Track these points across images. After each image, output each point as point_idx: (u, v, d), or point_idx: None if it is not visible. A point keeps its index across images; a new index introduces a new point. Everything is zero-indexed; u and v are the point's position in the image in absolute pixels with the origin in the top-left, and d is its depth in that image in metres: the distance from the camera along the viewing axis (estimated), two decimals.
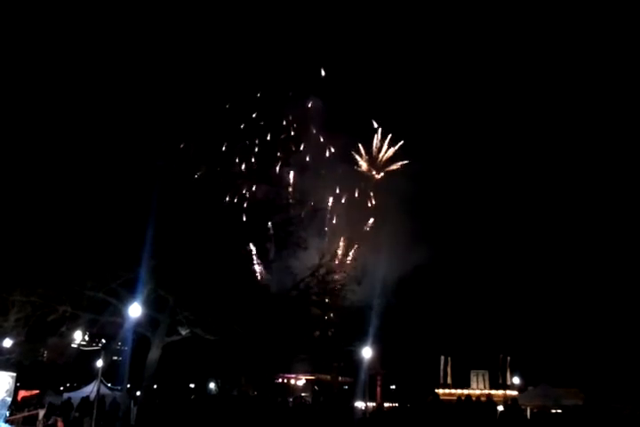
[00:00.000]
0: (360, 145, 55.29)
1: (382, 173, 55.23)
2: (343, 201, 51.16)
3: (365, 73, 50.16)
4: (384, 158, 55.30)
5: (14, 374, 19.27)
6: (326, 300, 43.06)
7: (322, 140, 52.05)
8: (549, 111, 51.46)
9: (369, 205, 52.37)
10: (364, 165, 55.20)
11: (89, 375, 36.40)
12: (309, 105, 50.88)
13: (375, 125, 55.61)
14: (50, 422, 20.69)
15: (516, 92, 51.99)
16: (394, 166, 55.35)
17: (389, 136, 55.76)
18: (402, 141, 55.43)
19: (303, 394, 41.09)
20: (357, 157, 54.94)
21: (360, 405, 30.44)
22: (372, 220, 51.07)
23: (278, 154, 49.45)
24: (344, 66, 50.21)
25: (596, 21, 47.45)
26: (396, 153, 55.15)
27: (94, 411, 19.52)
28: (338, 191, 51.18)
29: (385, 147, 55.32)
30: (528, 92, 52.27)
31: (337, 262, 43.95)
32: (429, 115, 50.88)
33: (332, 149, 51.85)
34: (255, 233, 30.10)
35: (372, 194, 53.33)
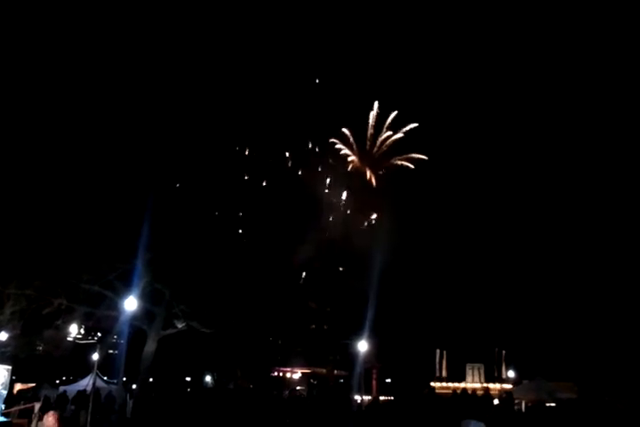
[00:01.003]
0: (348, 133, 49.97)
1: (381, 171, 51.45)
2: (344, 197, 49.42)
3: (364, 74, 48.69)
4: (383, 147, 51.09)
5: (10, 368, 19.22)
6: (322, 293, 43.19)
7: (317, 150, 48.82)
8: (548, 110, 51.06)
9: (367, 200, 50.53)
10: (354, 159, 51.02)
11: (85, 369, 36.42)
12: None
13: (375, 107, 50.44)
14: (54, 418, 20.58)
15: (513, 94, 50.76)
16: (400, 162, 50.66)
17: (389, 119, 50.66)
18: (415, 124, 48.43)
19: (298, 387, 41.24)
20: (348, 151, 50.75)
21: (356, 398, 30.52)
22: (369, 214, 49.93)
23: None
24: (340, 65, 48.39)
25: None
26: (396, 144, 50.65)
27: (90, 404, 19.48)
28: (335, 187, 49.79)
29: (383, 136, 51.00)
30: (526, 94, 51.28)
31: (333, 255, 44.00)
32: (424, 113, 49.62)
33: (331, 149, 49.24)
34: (252, 227, 30.12)
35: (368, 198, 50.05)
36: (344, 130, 49.86)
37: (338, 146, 49.79)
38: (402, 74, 47.49)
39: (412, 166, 50.33)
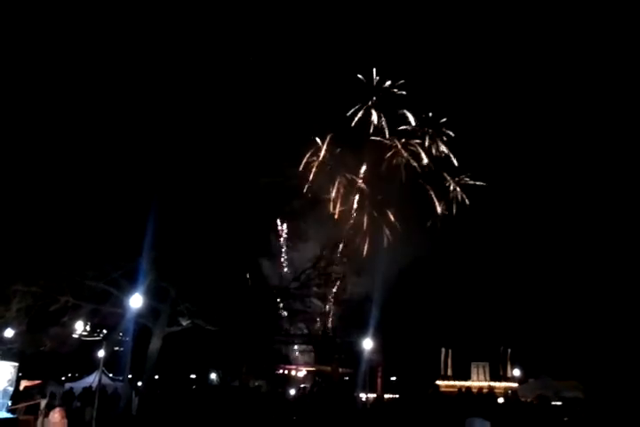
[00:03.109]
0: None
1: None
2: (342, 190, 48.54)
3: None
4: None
5: (16, 364, 19.29)
6: (327, 291, 43.16)
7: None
8: (545, 110, 50.58)
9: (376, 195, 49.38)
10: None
11: (90, 366, 36.57)
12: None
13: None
14: (60, 415, 20.67)
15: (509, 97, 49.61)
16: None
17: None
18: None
19: (303, 385, 41.25)
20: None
21: (361, 396, 30.51)
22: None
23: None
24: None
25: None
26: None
27: (96, 401, 19.55)
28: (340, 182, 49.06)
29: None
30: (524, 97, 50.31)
31: (338, 254, 43.93)
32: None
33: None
34: (258, 224, 30.03)
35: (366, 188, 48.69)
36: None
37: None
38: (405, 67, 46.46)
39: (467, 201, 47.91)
